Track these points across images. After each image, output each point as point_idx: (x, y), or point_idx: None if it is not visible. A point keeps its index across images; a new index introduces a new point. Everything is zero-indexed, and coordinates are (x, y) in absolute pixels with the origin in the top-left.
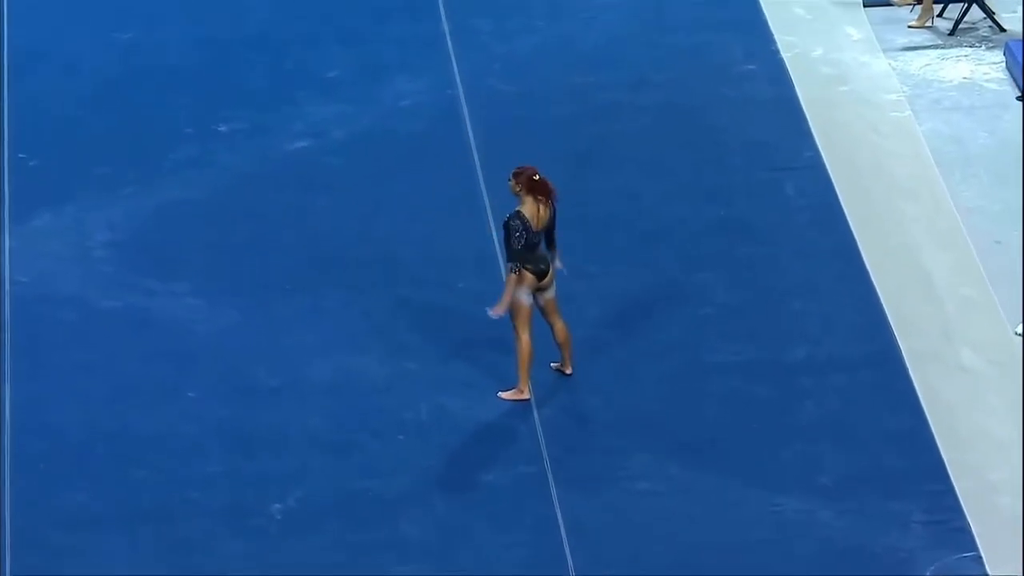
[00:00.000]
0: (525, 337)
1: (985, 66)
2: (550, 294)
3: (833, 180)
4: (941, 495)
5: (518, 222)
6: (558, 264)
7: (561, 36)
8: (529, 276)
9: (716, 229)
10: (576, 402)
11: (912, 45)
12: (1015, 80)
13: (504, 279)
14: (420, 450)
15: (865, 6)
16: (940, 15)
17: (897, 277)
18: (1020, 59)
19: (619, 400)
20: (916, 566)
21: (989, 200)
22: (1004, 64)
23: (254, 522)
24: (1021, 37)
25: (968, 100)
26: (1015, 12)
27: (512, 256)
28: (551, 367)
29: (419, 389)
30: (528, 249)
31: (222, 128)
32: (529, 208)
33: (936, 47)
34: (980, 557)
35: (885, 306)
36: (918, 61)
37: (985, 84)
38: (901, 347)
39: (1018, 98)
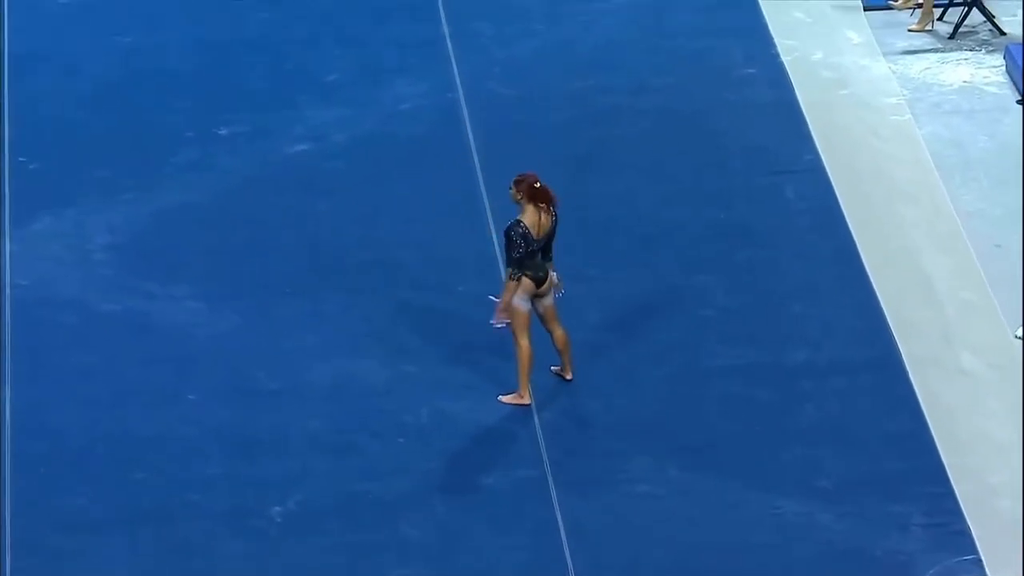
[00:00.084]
0: (524, 343)
1: (985, 70)
2: (548, 300)
3: (833, 184)
4: (941, 498)
5: (518, 230)
6: (554, 279)
7: (561, 40)
8: (527, 282)
9: (716, 233)
10: (576, 405)
11: (912, 49)
12: (1015, 84)
13: (504, 285)
14: (420, 453)
15: (865, 10)
16: (940, 19)
17: (897, 280)
18: (1020, 63)
19: (619, 403)
20: (916, 569)
21: (989, 204)
22: (1004, 68)
23: (254, 524)
24: (1021, 41)
25: (968, 104)
26: (1015, 16)
27: (511, 263)
28: (551, 371)
29: (419, 392)
30: (528, 256)
31: (222, 131)
32: (530, 216)
33: (936, 51)
34: (980, 560)
35: (885, 309)
36: (918, 65)
37: (985, 88)
38: (901, 350)
39: (1018, 102)
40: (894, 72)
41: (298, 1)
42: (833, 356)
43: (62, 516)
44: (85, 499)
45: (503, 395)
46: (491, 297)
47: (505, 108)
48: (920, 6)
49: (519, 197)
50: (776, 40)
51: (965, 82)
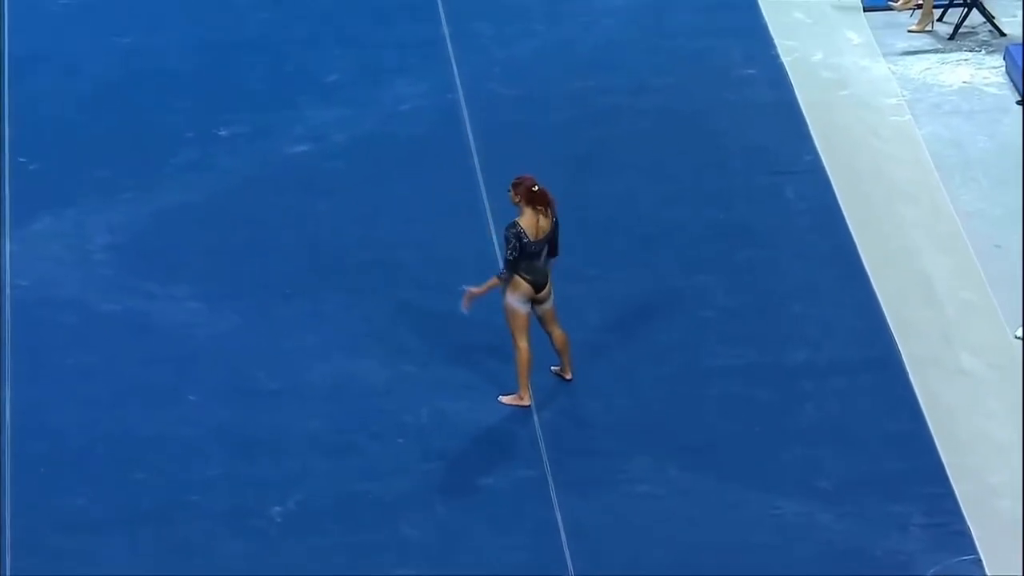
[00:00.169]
0: (523, 345)
1: (985, 70)
2: (548, 305)
3: (833, 184)
4: (941, 498)
5: (514, 231)
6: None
7: (561, 40)
8: (525, 286)
9: (716, 233)
10: (576, 405)
11: (912, 49)
12: (1015, 84)
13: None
14: (420, 453)
15: (865, 10)
16: (940, 19)
17: (897, 281)
18: (1020, 63)
19: (619, 403)
20: (916, 569)
21: (989, 204)
22: (1004, 68)
23: (254, 524)
24: (1021, 41)
25: (968, 104)
26: (1015, 16)
27: (505, 265)
28: (551, 371)
29: (419, 392)
30: (526, 259)
31: (222, 132)
32: (528, 219)
33: (936, 51)
34: (980, 560)
35: (885, 309)
36: (918, 65)
37: (985, 88)
38: (901, 350)
39: (1018, 102)
40: (894, 73)
41: (298, 1)
42: (833, 356)
43: (62, 516)
44: (85, 499)
45: (503, 395)
46: (463, 287)
47: (505, 108)
48: (920, 7)
49: (517, 200)
50: (776, 40)
51: (965, 83)
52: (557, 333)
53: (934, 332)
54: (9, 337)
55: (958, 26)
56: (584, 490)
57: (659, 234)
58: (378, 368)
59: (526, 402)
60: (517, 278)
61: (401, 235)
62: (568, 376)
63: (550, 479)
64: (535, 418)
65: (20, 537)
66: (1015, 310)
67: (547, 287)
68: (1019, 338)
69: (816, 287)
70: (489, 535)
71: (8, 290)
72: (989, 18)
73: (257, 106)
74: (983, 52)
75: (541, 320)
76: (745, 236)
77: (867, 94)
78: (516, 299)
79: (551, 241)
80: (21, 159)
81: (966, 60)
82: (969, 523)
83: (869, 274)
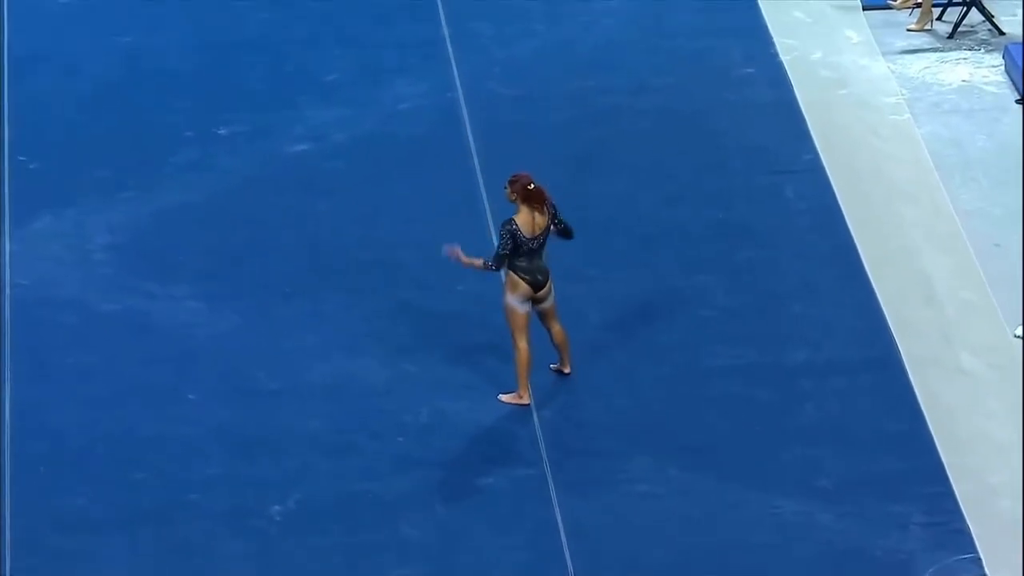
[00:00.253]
0: (523, 345)
1: (984, 69)
2: (547, 304)
3: (832, 183)
4: (940, 498)
5: (508, 228)
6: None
7: (561, 40)
8: (523, 286)
9: (716, 232)
10: (576, 405)
11: (911, 48)
12: (1014, 83)
13: (503, 280)
14: (420, 453)
15: (864, 9)
16: (939, 18)
17: (897, 280)
18: (1019, 62)
19: (619, 403)
20: (916, 568)
21: (988, 203)
22: (1003, 67)
23: (254, 524)
24: (1020, 40)
25: (967, 103)
26: (1014, 15)
27: (495, 257)
28: (550, 368)
29: (419, 392)
30: (521, 257)
31: (222, 131)
32: (523, 216)
33: (935, 50)
34: (979, 559)
35: (885, 309)
36: (917, 64)
37: (984, 87)
38: (901, 350)
39: (1017, 101)
40: (893, 72)
41: (298, 1)
42: (833, 356)
43: (62, 516)
44: (85, 499)
45: (503, 394)
46: (445, 246)
47: (505, 108)
48: (919, 5)
49: (513, 197)
50: (775, 40)
51: (964, 81)
52: (556, 329)
53: (934, 332)
54: (9, 337)
55: (957, 25)
56: (584, 490)
57: (659, 234)
58: (378, 368)
59: (525, 401)
60: (516, 278)
61: (401, 234)
62: (567, 370)
63: (550, 479)
64: (535, 418)
65: (20, 537)
66: (1015, 310)
67: (547, 287)
68: (1019, 337)
69: (816, 287)
70: (489, 535)
71: (8, 290)
72: (988, 17)
73: (257, 106)
74: (982, 51)
75: (541, 317)
76: (745, 236)
77: (866, 93)
78: (515, 299)
79: (561, 232)
80: (21, 159)
81: (965, 59)
82: (969, 523)
83: (869, 274)
